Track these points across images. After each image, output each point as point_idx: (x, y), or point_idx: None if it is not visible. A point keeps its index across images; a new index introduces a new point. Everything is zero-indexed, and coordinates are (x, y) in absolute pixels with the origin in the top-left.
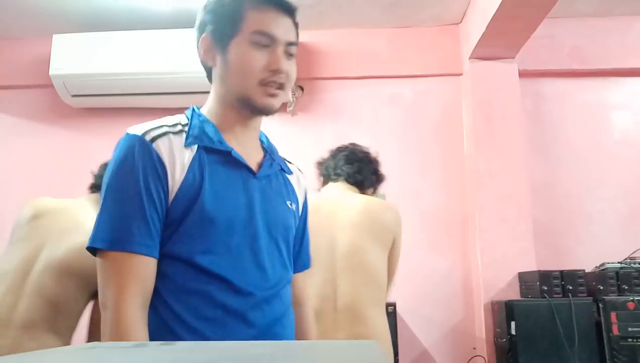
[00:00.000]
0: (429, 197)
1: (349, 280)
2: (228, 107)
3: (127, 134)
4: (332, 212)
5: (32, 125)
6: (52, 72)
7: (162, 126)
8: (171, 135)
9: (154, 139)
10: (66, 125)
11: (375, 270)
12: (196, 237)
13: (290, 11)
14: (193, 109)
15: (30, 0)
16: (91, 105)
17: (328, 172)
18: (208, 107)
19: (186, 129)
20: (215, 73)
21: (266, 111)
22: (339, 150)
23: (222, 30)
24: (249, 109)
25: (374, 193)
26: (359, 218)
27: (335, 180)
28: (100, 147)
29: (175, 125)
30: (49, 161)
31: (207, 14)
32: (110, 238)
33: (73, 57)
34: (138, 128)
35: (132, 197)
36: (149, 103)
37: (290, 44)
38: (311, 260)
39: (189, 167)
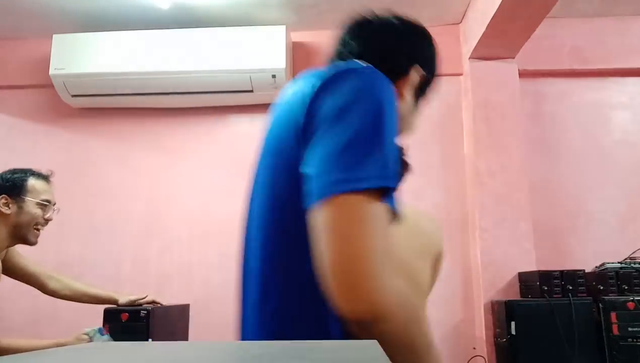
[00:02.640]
0: (429, 197)
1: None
2: None
3: (366, 65)
4: None
5: (32, 125)
6: (52, 72)
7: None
8: None
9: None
10: (66, 125)
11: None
12: None
13: None
14: None
15: (30, 0)
16: (91, 105)
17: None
18: None
19: None
20: None
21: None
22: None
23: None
24: None
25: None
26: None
27: None
28: (100, 147)
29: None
30: (49, 161)
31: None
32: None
33: (73, 57)
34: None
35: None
36: (149, 103)
37: None
38: None
39: None
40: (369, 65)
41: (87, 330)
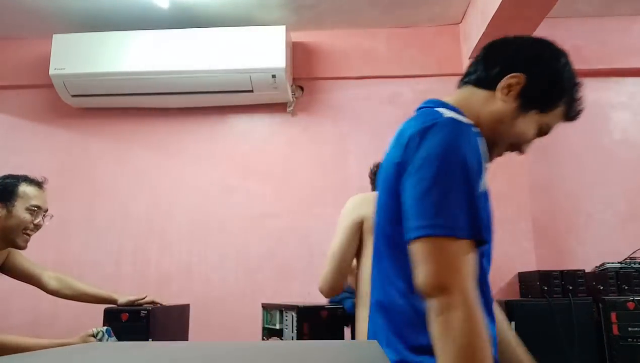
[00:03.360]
0: None
1: None
2: None
3: (448, 117)
4: None
5: (32, 125)
6: (52, 72)
7: (465, 119)
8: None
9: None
10: (66, 125)
11: None
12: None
13: None
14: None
15: (30, 0)
16: (91, 105)
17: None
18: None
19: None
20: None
21: (518, 149)
22: None
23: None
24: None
25: None
26: None
27: None
28: (100, 147)
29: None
30: (49, 161)
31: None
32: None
33: (73, 57)
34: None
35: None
36: (149, 103)
37: None
38: None
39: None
40: (450, 116)
41: (94, 330)
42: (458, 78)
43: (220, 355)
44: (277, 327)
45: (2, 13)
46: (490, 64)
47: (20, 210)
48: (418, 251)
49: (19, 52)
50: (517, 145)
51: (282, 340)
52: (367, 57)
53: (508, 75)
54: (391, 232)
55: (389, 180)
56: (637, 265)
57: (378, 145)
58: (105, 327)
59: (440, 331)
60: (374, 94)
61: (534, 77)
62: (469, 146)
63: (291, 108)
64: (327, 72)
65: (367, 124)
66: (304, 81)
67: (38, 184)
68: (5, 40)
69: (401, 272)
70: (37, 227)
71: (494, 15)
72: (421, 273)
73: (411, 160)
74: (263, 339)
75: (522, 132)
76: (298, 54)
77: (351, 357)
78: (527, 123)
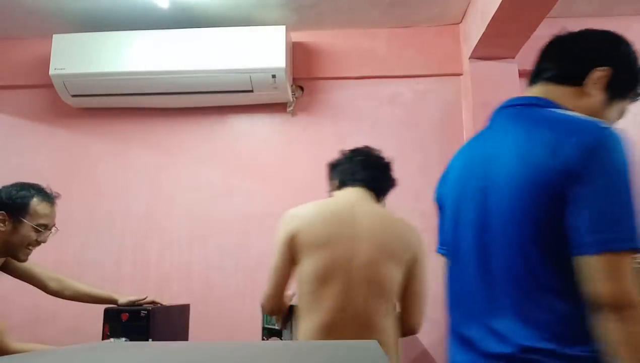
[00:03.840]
0: (429, 197)
1: (363, 292)
2: None
3: (610, 127)
4: (351, 221)
5: (32, 125)
6: (52, 72)
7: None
8: None
9: None
10: (66, 125)
11: (389, 283)
12: None
13: None
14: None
15: (30, 0)
16: (91, 105)
17: (344, 176)
18: None
19: None
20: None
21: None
22: (355, 153)
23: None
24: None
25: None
26: (378, 231)
27: (353, 186)
28: (100, 147)
29: None
30: (49, 161)
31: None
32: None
33: (73, 57)
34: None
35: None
36: (149, 103)
37: None
38: None
39: None
40: (606, 126)
41: (111, 340)
42: (458, 78)
43: (220, 355)
44: (277, 327)
45: (2, 13)
46: (569, 60)
47: (26, 228)
48: (601, 265)
49: (19, 52)
50: None
51: (281, 340)
52: (367, 57)
53: (595, 70)
54: (544, 240)
55: (543, 185)
56: (637, 266)
57: (378, 145)
58: (123, 338)
59: (628, 341)
60: (374, 94)
61: (617, 68)
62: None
63: (291, 108)
64: (327, 72)
65: (367, 124)
66: (304, 81)
67: (50, 200)
68: (5, 40)
69: (557, 279)
70: (40, 243)
71: (494, 15)
72: (606, 288)
73: (589, 170)
74: (263, 339)
75: (611, 122)
76: (298, 54)
77: (351, 357)
78: (613, 111)
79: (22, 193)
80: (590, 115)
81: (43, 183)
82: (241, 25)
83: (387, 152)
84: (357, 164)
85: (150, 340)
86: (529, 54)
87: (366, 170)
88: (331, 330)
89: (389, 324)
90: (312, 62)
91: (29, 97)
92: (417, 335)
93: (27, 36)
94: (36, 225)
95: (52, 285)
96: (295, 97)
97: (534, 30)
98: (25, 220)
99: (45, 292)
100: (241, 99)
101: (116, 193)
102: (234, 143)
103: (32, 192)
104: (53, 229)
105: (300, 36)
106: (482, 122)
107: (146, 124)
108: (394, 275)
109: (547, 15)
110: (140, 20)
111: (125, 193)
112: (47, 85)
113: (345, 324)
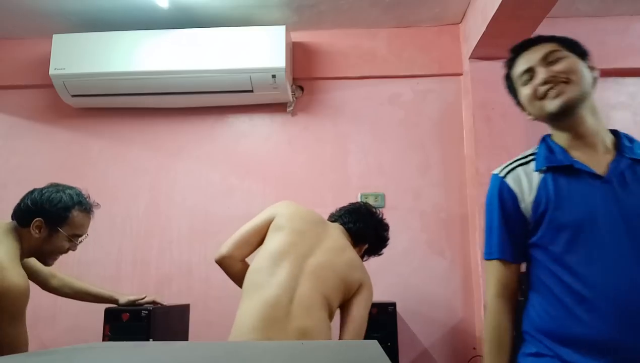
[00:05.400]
0: (429, 197)
1: (311, 283)
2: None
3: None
4: (323, 228)
5: (32, 125)
6: (52, 72)
7: (513, 162)
8: (519, 168)
9: (505, 176)
10: (66, 125)
11: (333, 290)
12: (544, 242)
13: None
14: (544, 137)
15: (30, 0)
16: (91, 105)
17: (328, 218)
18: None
19: (534, 156)
20: None
21: (550, 115)
22: (349, 204)
23: None
24: (547, 120)
25: (369, 254)
26: (338, 248)
27: (333, 221)
28: (100, 147)
29: (526, 156)
30: (49, 161)
31: None
32: (486, 251)
33: (73, 57)
34: (498, 168)
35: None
36: (149, 103)
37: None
38: None
39: (538, 187)
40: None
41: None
42: (458, 78)
43: (220, 355)
44: None
45: (2, 13)
46: None
47: (61, 238)
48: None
49: (19, 52)
50: None
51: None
52: (367, 57)
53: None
54: None
55: None
56: None
57: (378, 145)
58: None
59: None
60: (374, 94)
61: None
62: (493, 193)
63: (291, 108)
64: (327, 72)
65: (367, 124)
66: (304, 81)
67: (89, 210)
68: (5, 40)
69: None
70: (69, 251)
71: (494, 15)
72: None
73: None
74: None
75: None
76: (298, 54)
77: (351, 357)
78: None
79: (64, 202)
80: None
81: (42, 183)
82: (241, 25)
83: (388, 152)
84: (344, 209)
85: (150, 340)
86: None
87: (349, 215)
88: (275, 306)
89: (325, 315)
90: (312, 62)
91: (29, 97)
92: (417, 335)
93: (27, 36)
94: (70, 235)
95: (54, 282)
96: (295, 97)
97: (534, 30)
98: (61, 230)
99: (46, 289)
100: (241, 99)
101: (116, 193)
102: (234, 143)
103: (73, 201)
104: (83, 236)
105: (300, 36)
106: (482, 122)
107: (146, 124)
108: (338, 287)
109: (547, 15)
110: (140, 20)
111: (125, 194)
112: (47, 85)
113: (288, 303)
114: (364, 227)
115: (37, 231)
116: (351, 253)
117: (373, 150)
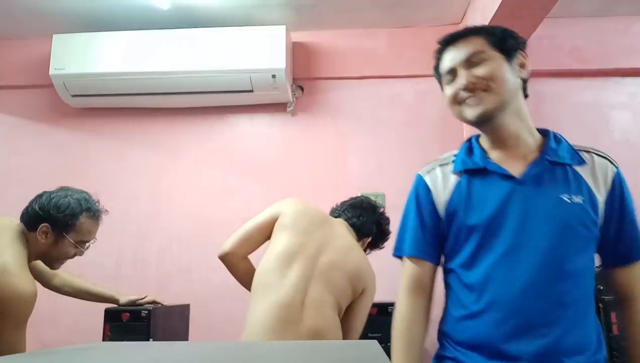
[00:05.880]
0: None
1: (322, 284)
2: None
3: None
4: (329, 227)
5: (32, 125)
6: (52, 72)
7: (435, 162)
8: (438, 169)
9: (424, 175)
10: (66, 125)
11: (341, 290)
12: (455, 246)
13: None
14: (469, 138)
15: (30, 0)
16: (91, 105)
17: (331, 213)
18: None
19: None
20: None
21: (467, 122)
22: (350, 198)
23: None
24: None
25: (371, 248)
26: (346, 247)
27: (336, 217)
28: (100, 147)
29: (448, 157)
30: (49, 161)
31: None
32: (395, 247)
33: (73, 57)
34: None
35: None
36: (149, 103)
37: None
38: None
39: (453, 189)
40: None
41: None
42: None
43: (220, 355)
44: None
45: (2, 13)
46: None
47: (68, 244)
48: None
49: (19, 52)
50: None
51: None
52: (367, 57)
53: None
54: None
55: None
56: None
57: (378, 145)
58: None
59: None
60: (374, 94)
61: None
62: (413, 190)
63: (291, 108)
64: (327, 72)
65: (367, 124)
66: (304, 81)
67: (97, 217)
68: (5, 40)
69: None
70: (76, 256)
71: (494, 15)
72: None
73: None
74: None
75: None
76: (298, 54)
77: (351, 357)
78: None
79: (71, 208)
80: None
81: (43, 183)
82: (241, 25)
83: (388, 152)
84: (346, 204)
85: (151, 340)
86: (529, 53)
87: (351, 209)
88: (289, 307)
89: (336, 317)
90: (312, 62)
91: (29, 97)
92: None
93: (27, 36)
94: (77, 242)
95: (55, 281)
96: (295, 97)
97: (534, 30)
98: (68, 237)
99: (48, 287)
100: (241, 99)
101: (116, 193)
102: (234, 143)
103: (81, 208)
104: (91, 242)
105: (300, 36)
106: None
107: (146, 124)
108: (346, 289)
109: (547, 15)
110: (140, 20)
111: (125, 193)
112: (47, 85)
113: (301, 304)
114: (367, 221)
115: (44, 236)
116: (359, 252)
117: (373, 150)
